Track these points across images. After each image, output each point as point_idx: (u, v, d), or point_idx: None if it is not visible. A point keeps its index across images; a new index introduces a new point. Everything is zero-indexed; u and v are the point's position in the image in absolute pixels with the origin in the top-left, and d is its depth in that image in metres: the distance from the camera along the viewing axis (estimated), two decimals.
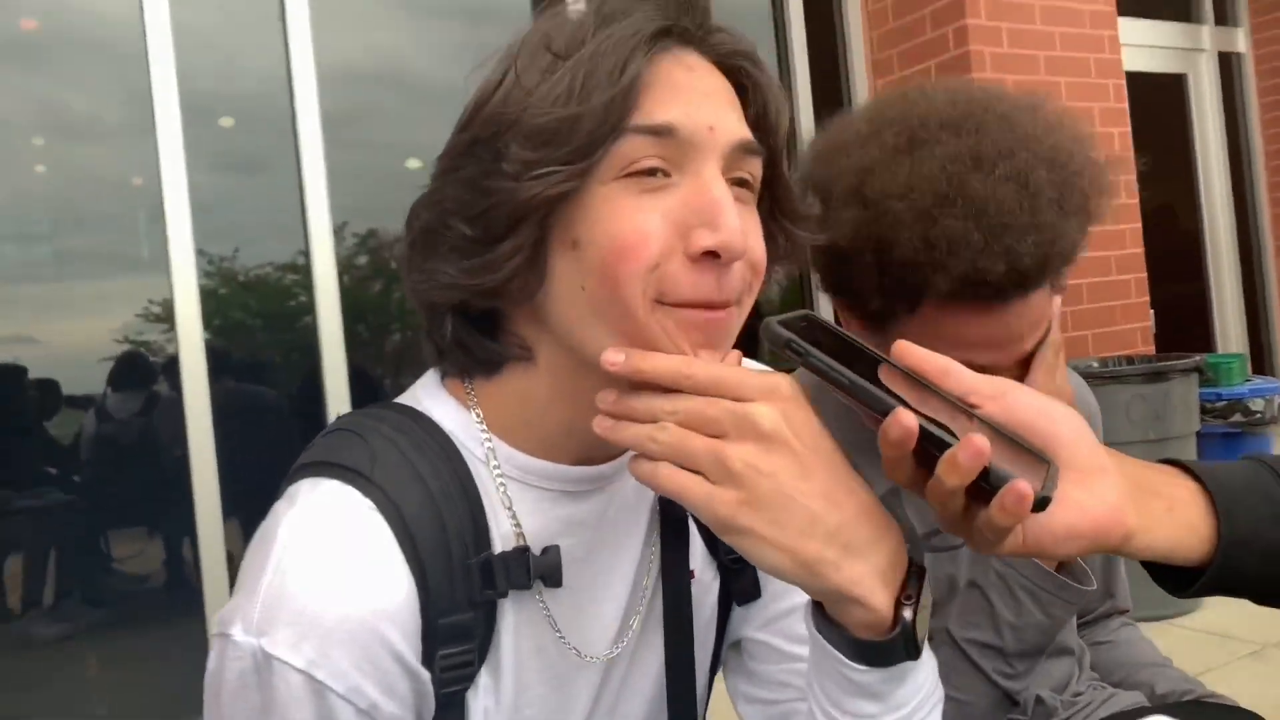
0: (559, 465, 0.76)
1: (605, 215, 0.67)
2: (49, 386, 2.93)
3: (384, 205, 3.06)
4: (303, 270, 3.14)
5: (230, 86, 3.17)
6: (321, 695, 0.65)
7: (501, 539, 0.74)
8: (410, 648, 0.68)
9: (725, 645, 0.90)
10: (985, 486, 0.58)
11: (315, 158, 3.08)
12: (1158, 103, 5.23)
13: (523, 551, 0.73)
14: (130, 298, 2.98)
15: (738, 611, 0.89)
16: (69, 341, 2.94)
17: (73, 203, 2.97)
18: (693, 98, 0.69)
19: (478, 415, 0.75)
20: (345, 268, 3.18)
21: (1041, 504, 0.58)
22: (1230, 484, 0.69)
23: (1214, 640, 3.08)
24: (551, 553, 0.74)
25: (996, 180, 0.99)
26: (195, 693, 0.71)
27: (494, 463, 0.74)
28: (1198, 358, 3.39)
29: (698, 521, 0.82)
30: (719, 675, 0.94)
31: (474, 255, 0.70)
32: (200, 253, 2.94)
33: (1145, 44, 5.10)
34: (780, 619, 0.87)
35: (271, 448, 3.18)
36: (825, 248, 1.04)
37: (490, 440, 0.75)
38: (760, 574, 0.86)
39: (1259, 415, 3.64)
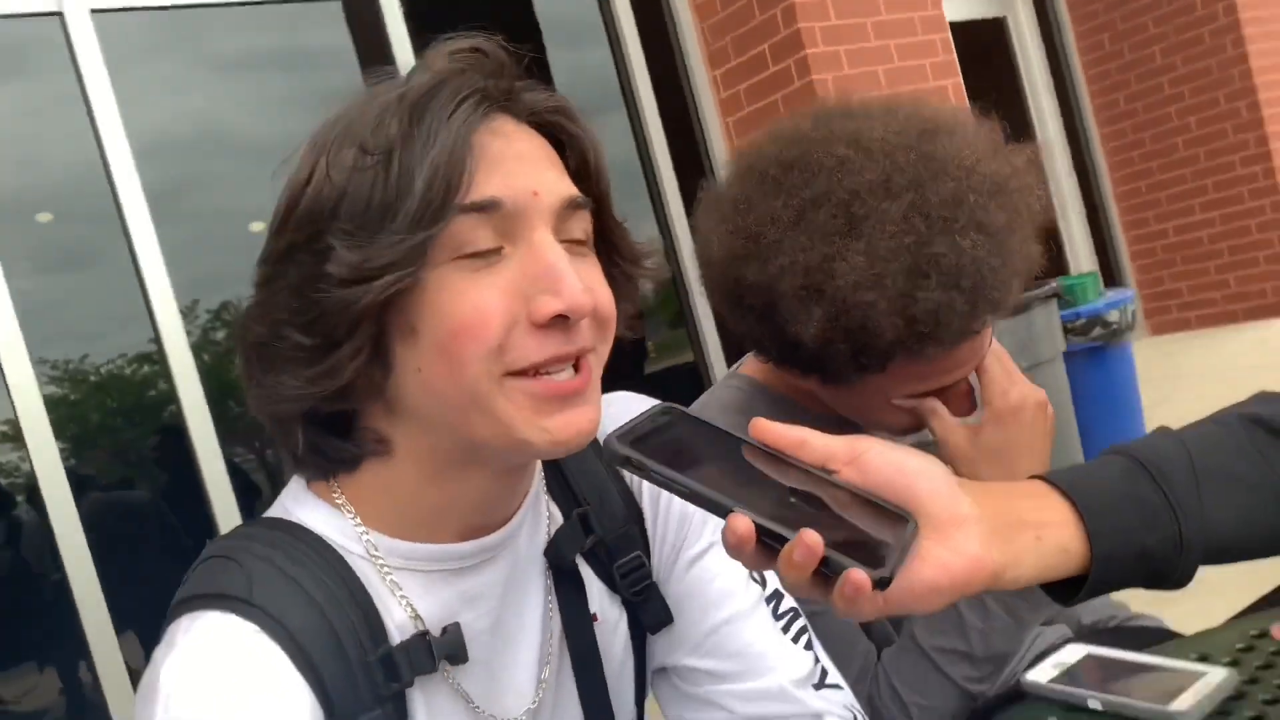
0: (444, 545, 0.75)
1: (443, 300, 0.67)
2: None
3: (232, 274, 2.91)
4: (157, 358, 2.97)
5: (43, 179, 2.95)
6: None
7: (399, 629, 0.73)
8: None
9: (648, 673, 0.90)
10: (827, 573, 0.60)
11: (147, 238, 2.90)
12: (982, 48, 5.39)
13: (422, 636, 0.73)
14: None
15: (657, 640, 0.88)
16: None
17: None
18: (512, 165, 0.69)
19: (350, 512, 0.75)
20: (202, 346, 3.02)
21: (883, 584, 0.60)
22: (1099, 495, 0.70)
23: None
24: (452, 630, 0.74)
25: (958, 235, 0.96)
26: None
27: (377, 557, 0.74)
28: (1053, 283, 3.51)
29: (591, 562, 0.84)
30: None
31: (314, 363, 0.68)
32: (40, 360, 2.74)
33: (966, 19, 5.24)
34: (707, 639, 0.85)
35: (156, 552, 3.01)
36: (772, 337, 1.04)
37: (368, 534, 0.74)
38: (675, 598, 0.86)
39: (1115, 326, 3.78)
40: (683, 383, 4.07)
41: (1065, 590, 0.71)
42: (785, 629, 0.85)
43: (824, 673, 0.84)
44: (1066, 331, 3.64)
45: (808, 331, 0.99)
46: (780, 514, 0.62)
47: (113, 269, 2.94)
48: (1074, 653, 0.93)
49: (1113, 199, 6.06)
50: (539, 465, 0.83)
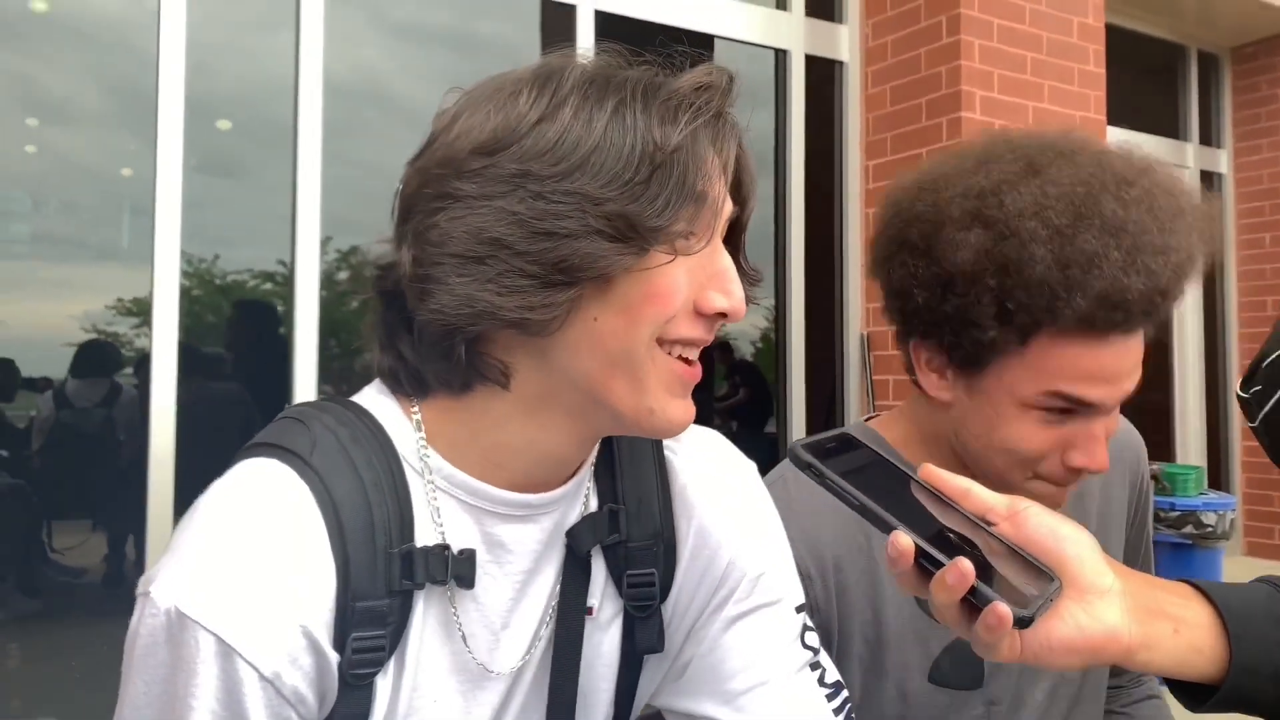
0: (491, 487, 0.78)
1: (648, 266, 0.72)
2: (7, 367, 2.89)
3: (369, 224, 3.06)
4: (283, 280, 3.14)
5: (234, 89, 3.18)
6: (229, 658, 0.66)
7: (424, 538, 0.77)
8: (323, 627, 0.71)
9: (640, 694, 0.90)
10: (974, 602, 0.66)
11: (311, 167, 3.09)
12: None
13: (443, 549, 0.76)
14: (100, 287, 2.96)
15: (667, 680, 0.90)
16: (30, 323, 2.91)
17: (56, 187, 2.96)
18: (712, 170, 0.74)
19: (419, 429, 0.78)
20: (326, 282, 3.18)
21: (1023, 623, 0.64)
22: (1243, 609, 0.71)
23: None
24: (468, 554, 0.77)
25: (1127, 202, 0.98)
26: (113, 696, 0.72)
27: (429, 477, 0.77)
28: (1155, 466, 3.44)
29: (608, 559, 0.86)
30: None
31: (525, 293, 0.70)
32: (184, 252, 2.93)
33: None
34: (740, 697, 0.85)
35: (230, 454, 3.12)
36: (926, 278, 1.03)
37: (428, 453, 0.78)
38: (705, 651, 0.87)
39: (1210, 529, 3.69)
40: (761, 449, 4.10)
41: (1193, 695, 0.73)
42: (829, 698, 0.86)
43: None
44: (1158, 519, 3.57)
45: (961, 258, 0.99)
46: (938, 544, 0.68)
47: (269, 188, 3.14)
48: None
49: (1234, 399, 5.88)
50: (595, 447, 0.86)
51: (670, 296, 0.72)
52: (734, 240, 0.82)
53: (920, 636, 1.10)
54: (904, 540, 0.67)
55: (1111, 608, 0.68)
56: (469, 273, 0.70)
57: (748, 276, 0.84)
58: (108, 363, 2.99)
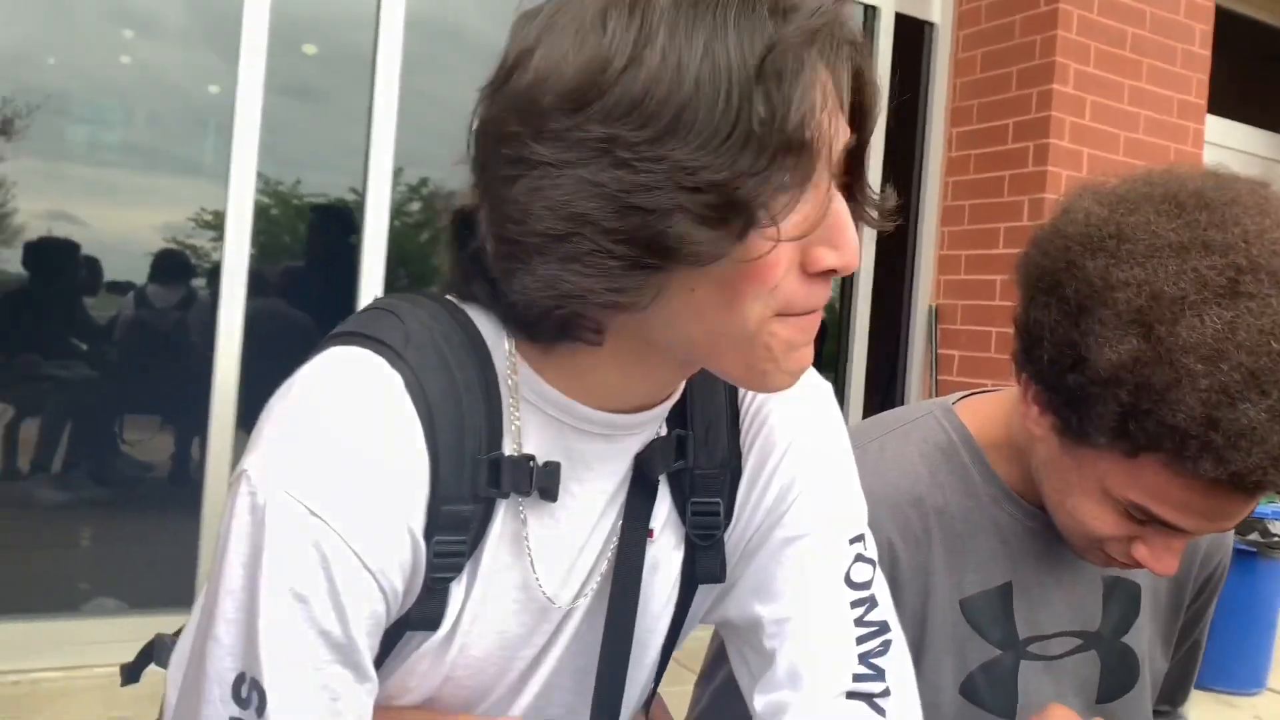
0: (578, 404, 0.74)
1: (746, 249, 0.63)
2: (92, 265, 3.06)
3: (442, 159, 3.10)
4: (355, 206, 3.24)
5: (318, 15, 3.27)
6: (331, 543, 0.63)
7: (509, 448, 0.73)
8: (418, 524, 0.68)
9: (689, 624, 0.89)
10: None
11: (389, 96, 3.17)
12: None
13: (528, 459, 0.73)
14: (181, 199, 3.11)
15: (709, 597, 0.88)
16: (115, 229, 3.07)
17: (147, 98, 3.10)
18: (818, 100, 0.63)
19: (510, 340, 0.74)
20: (397, 212, 3.26)
21: None
22: None
23: None
24: (553, 468, 0.74)
25: None
26: (170, 586, 0.71)
27: (515, 386, 0.73)
28: None
29: (672, 486, 0.82)
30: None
31: (612, 276, 0.62)
32: (260, 174, 3.05)
33: (1229, 146, 4.99)
34: (772, 625, 0.83)
35: (294, 366, 3.25)
36: (1061, 341, 0.91)
37: (515, 359, 0.73)
38: (759, 566, 0.84)
39: (1277, 538, 3.56)
40: None
41: None
42: (862, 640, 0.82)
43: (886, 691, 0.81)
44: None
45: (1105, 358, 0.86)
46: None
47: (346, 116, 3.23)
48: None
49: None
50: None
51: (773, 269, 0.64)
52: (854, 169, 0.71)
53: (959, 648, 1.06)
54: None
55: None
56: (552, 252, 0.63)
57: (868, 209, 0.74)
58: (184, 271, 3.14)
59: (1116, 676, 1.11)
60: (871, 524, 0.98)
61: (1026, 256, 0.99)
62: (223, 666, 0.64)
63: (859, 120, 0.69)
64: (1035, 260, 0.97)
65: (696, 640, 0.96)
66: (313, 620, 0.64)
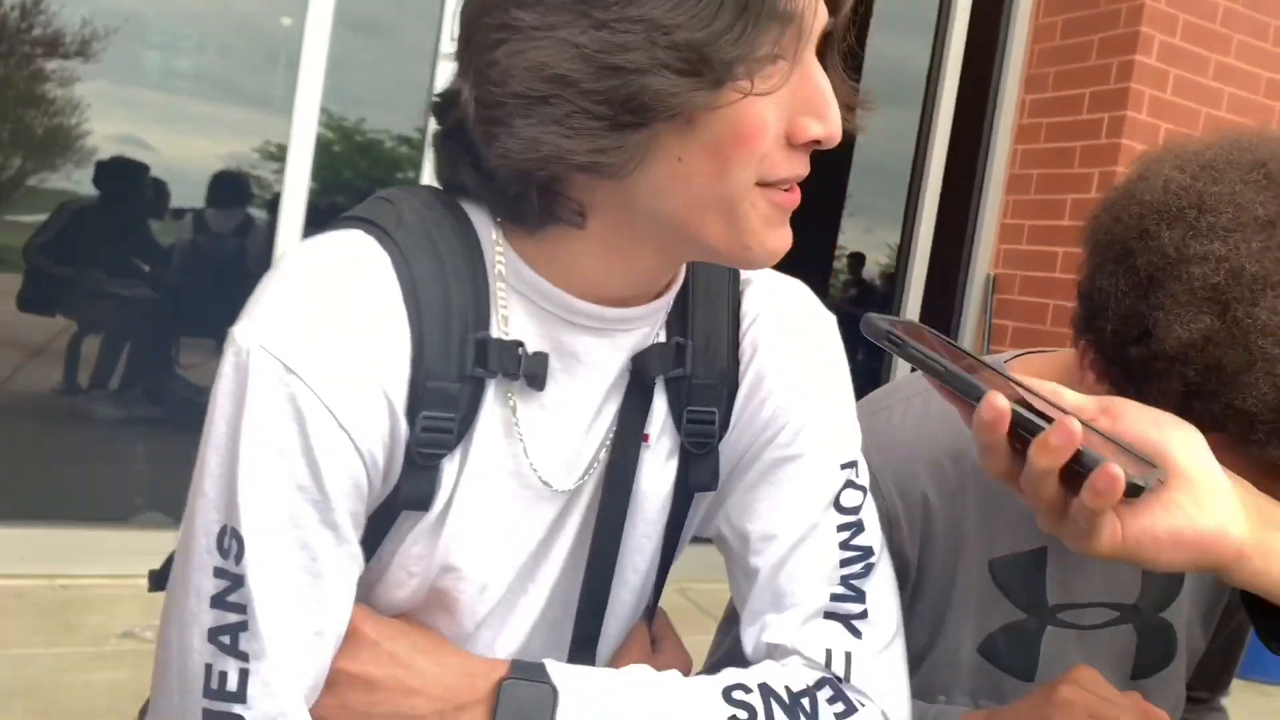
0: (565, 294, 0.75)
1: (728, 102, 0.66)
2: (161, 189, 3.13)
3: None
4: (417, 145, 3.26)
5: None
6: (308, 400, 0.65)
7: (496, 333, 0.75)
8: (398, 395, 0.69)
9: (684, 537, 0.90)
10: (1079, 471, 0.59)
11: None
12: None
13: (516, 344, 0.74)
14: (247, 129, 3.15)
15: (701, 507, 0.89)
16: (181, 155, 3.13)
17: (219, 28, 3.14)
18: None
19: (500, 232, 0.76)
20: None
21: (1134, 491, 0.58)
22: None
23: None
24: (540, 357, 0.75)
25: None
26: None
27: (502, 274, 0.75)
28: None
29: (670, 393, 0.84)
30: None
31: (593, 136, 0.65)
32: (324, 109, 3.07)
33: None
34: (758, 543, 0.84)
35: None
36: (1127, 313, 0.87)
37: (502, 247, 0.75)
38: (750, 484, 0.86)
39: None
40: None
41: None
42: (845, 563, 0.83)
43: (864, 613, 0.82)
44: None
45: (1174, 335, 0.83)
46: (1033, 412, 0.61)
47: (416, 53, 3.24)
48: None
49: None
50: (682, 273, 0.83)
51: (760, 134, 0.67)
52: (828, 53, 0.73)
53: (983, 608, 1.05)
54: (1000, 401, 0.60)
55: (1225, 501, 0.62)
56: (533, 114, 0.65)
57: (845, 93, 0.75)
58: (243, 196, 3.20)
59: (1152, 652, 1.09)
60: (908, 480, 0.98)
61: (1096, 220, 0.95)
62: (209, 519, 0.66)
63: (833, 3, 0.72)
64: (1106, 225, 0.93)
65: (719, 588, 0.96)
66: (290, 474, 0.66)
